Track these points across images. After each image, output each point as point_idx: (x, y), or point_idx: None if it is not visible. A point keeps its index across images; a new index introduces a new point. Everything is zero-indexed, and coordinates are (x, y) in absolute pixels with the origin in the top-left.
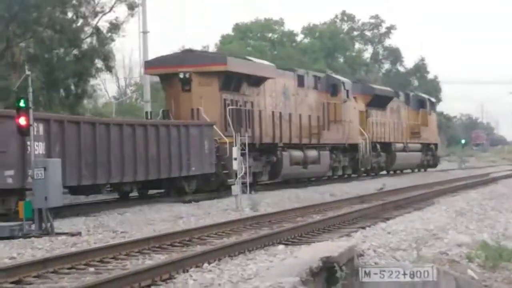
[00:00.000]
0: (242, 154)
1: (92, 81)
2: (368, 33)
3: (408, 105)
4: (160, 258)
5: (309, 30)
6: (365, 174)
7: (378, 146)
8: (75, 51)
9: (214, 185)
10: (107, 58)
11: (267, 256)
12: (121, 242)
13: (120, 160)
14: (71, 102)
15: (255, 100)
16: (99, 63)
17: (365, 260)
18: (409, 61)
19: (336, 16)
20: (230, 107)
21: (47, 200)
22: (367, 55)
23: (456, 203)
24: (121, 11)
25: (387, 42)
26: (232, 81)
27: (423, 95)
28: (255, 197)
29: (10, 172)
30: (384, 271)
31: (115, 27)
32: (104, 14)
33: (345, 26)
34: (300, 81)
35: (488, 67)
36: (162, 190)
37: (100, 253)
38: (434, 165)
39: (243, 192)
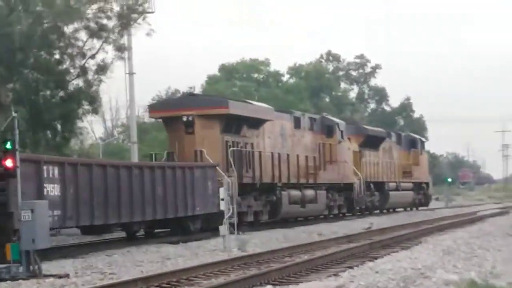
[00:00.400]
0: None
1: (79, 123)
2: (353, 73)
3: (399, 145)
4: None
5: (294, 70)
6: (359, 213)
7: (372, 185)
8: (62, 93)
9: (218, 224)
10: (94, 101)
11: None
12: (109, 283)
13: (129, 201)
14: (57, 143)
15: (255, 142)
16: (85, 105)
17: None
18: (394, 100)
19: (322, 56)
20: (232, 148)
21: (35, 242)
22: (352, 94)
23: (444, 242)
24: (108, 53)
25: (373, 81)
26: (233, 124)
27: (414, 135)
28: (242, 238)
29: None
30: None
31: (102, 68)
32: (92, 57)
33: (331, 66)
34: (297, 123)
35: (474, 106)
36: (168, 229)
37: None
38: (426, 203)
39: (231, 232)
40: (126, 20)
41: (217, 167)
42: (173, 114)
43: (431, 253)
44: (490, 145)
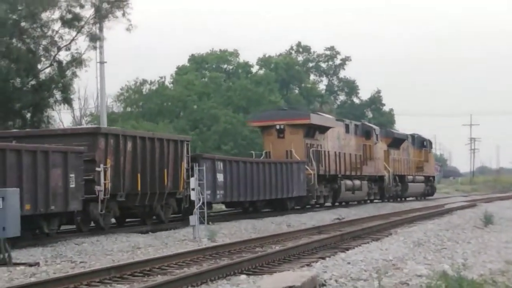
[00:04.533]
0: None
1: (49, 112)
2: (323, 65)
3: (414, 145)
4: None
5: (264, 61)
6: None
7: (397, 178)
8: (33, 81)
9: (305, 204)
10: (66, 90)
11: (230, 286)
12: (82, 272)
13: (257, 186)
14: None
15: (323, 143)
16: (57, 95)
17: None
18: (364, 93)
19: (292, 48)
20: (312, 149)
21: (5, 230)
22: (322, 86)
23: (414, 233)
24: (82, 43)
25: (342, 73)
26: (311, 130)
27: (424, 137)
28: (212, 228)
29: None
30: None
31: (75, 60)
32: (66, 47)
33: (301, 58)
34: (347, 129)
35: (442, 100)
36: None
37: (61, 283)
38: (432, 193)
39: (201, 222)
40: (103, 12)
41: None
42: (269, 124)
43: (402, 245)
44: (457, 139)
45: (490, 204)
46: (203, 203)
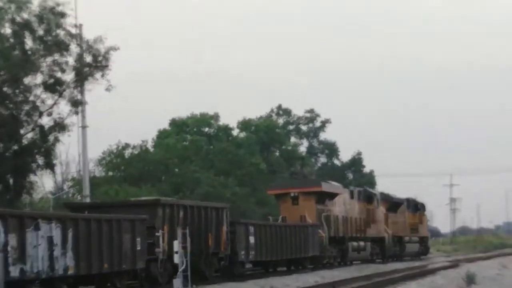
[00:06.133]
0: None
1: (31, 177)
2: (303, 127)
3: (408, 208)
4: None
5: (244, 124)
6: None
7: (395, 238)
8: (15, 146)
9: (320, 262)
10: (49, 155)
11: None
12: None
13: (280, 245)
14: (10, 197)
15: (332, 209)
16: (40, 160)
17: None
18: (345, 154)
19: (272, 110)
20: (324, 214)
21: None
22: (302, 148)
23: None
24: (64, 107)
25: (323, 136)
26: (322, 197)
27: (418, 201)
28: None
29: None
30: None
31: (57, 125)
32: (47, 112)
33: (281, 120)
34: (351, 194)
35: (422, 160)
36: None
37: None
38: (426, 253)
39: (184, 286)
40: (82, 76)
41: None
42: (284, 192)
43: None
44: (438, 199)
45: (472, 264)
46: (186, 266)
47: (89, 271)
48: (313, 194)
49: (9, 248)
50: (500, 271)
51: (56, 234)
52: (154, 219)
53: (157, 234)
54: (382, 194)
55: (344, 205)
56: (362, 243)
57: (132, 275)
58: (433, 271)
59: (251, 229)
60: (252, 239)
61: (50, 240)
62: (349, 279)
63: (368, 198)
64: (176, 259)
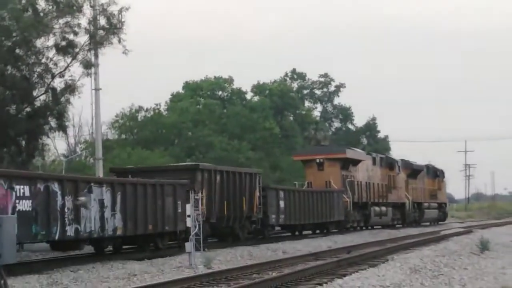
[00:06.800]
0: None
1: (44, 139)
2: (317, 92)
3: (428, 175)
4: None
5: (258, 88)
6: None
7: (415, 204)
8: (28, 108)
9: (343, 226)
10: (61, 118)
11: None
12: None
13: (307, 211)
14: (22, 159)
15: (355, 175)
16: (52, 122)
17: None
18: (359, 120)
19: (286, 74)
20: (348, 179)
21: (2, 257)
22: (316, 113)
23: (410, 260)
24: (76, 69)
25: (337, 100)
26: (346, 163)
27: (437, 168)
28: (208, 255)
29: None
30: None
31: (69, 87)
32: (60, 74)
33: (295, 85)
34: (373, 161)
35: (437, 126)
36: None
37: None
38: (444, 219)
39: (197, 249)
40: (98, 39)
41: (344, 194)
42: (310, 158)
43: (399, 271)
44: (452, 165)
45: (486, 231)
46: (198, 229)
47: (135, 232)
48: (338, 161)
49: (65, 209)
50: None
51: (107, 197)
52: (194, 183)
53: (196, 197)
54: (402, 160)
55: (367, 171)
56: (384, 208)
57: (173, 236)
58: (446, 237)
59: (281, 194)
60: (282, 204)
61: (101, 203)
62: (363, 244)
63: (389, 164)
64: (189, 222)
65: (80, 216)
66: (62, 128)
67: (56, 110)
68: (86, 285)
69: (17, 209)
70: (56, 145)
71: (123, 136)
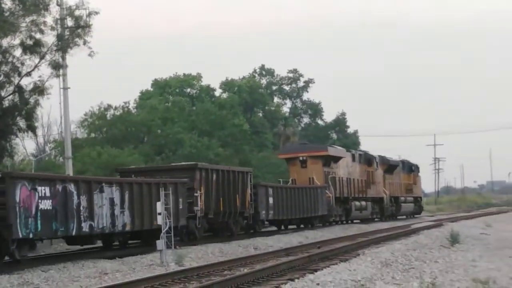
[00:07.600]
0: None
1: (13, 139)
2: (286, 87)
3: (404, 170)
4: None
5: (227, 85)
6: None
7: (392, 199)
8: None
9: (328, 220)
10: (30, 118)
11: None
12: None
13: (294, 206)
14: None
15: (336, 171)
16: (21, 122)
17: None
18: (328, 115)
19: (255, 71)
20: (330, 176)
21: None
22: (286, 109)
23: (381, 254)
24: (44, 70)
25: (306, 96)
26: (328, 160)
27: (412, 163)
28: (179, 252)
29: None
30: None
31: (37, 88)
32: (27, 74)
33: (264, 81)
34: (353, 158)
35: (407, 120)
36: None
37: None
38: (420, 212)
39: (168, 247)
40: (64, 40)
41: (327, 189)
42: (293, 156)
43: (370, 265)
44: (422, 159)
45: (456, 224)
46: (169, 227)
47: (142, 228)
48: (320, 158)
49: (81, 208)
50: (484, 230)
51: (116, 196)
52: (193, 182)
53: (195, 194)
54: (380, 156)
55: (347, 167)
56: (363, 203)
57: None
58: (417, 231)
59: (270, 191)
60: (271, 200)
61: (111, 201)
62: (334, 239)
63: (368, 160)
64: (160, 220)
65: (93, 214)
66: (31, 128)
67: (24, 110)
68: (57, 284)
69: (39, 208)
70: (25, 145)
71: (93, 134)
